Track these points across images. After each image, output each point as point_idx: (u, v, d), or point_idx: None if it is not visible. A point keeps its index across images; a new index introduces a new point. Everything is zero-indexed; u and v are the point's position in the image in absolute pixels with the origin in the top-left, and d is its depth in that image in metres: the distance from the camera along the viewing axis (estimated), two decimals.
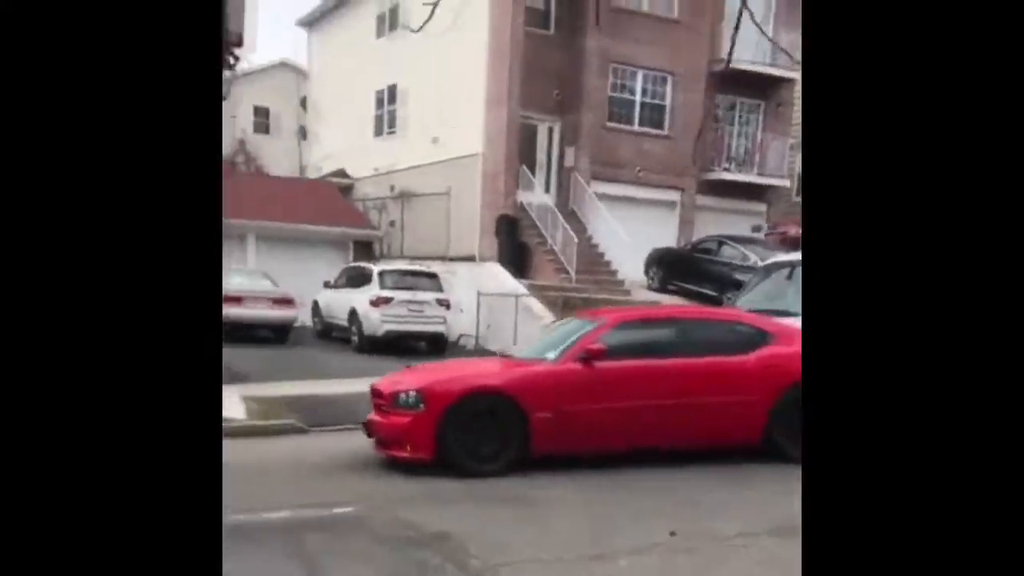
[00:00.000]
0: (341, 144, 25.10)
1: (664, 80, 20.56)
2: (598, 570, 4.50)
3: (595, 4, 17.94)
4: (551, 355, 7.37)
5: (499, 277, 16.20)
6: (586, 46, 19.17)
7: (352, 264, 16.98)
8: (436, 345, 15.06)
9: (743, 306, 10.87)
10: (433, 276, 15.15)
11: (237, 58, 9.36)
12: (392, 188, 22.01)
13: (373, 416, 7.21)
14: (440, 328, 14.93)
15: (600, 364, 7.07)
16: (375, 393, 7.33)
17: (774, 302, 10.63)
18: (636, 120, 20.43)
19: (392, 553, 4.77)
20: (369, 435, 7.21)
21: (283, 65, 35.64)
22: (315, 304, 15.74)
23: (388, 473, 6.86)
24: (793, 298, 10.39)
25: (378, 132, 23.50)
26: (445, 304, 14.49)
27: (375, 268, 15.00)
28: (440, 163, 19.96)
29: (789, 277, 10.69)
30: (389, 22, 22.69)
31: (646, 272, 18.94)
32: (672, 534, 5.09)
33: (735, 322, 8.23)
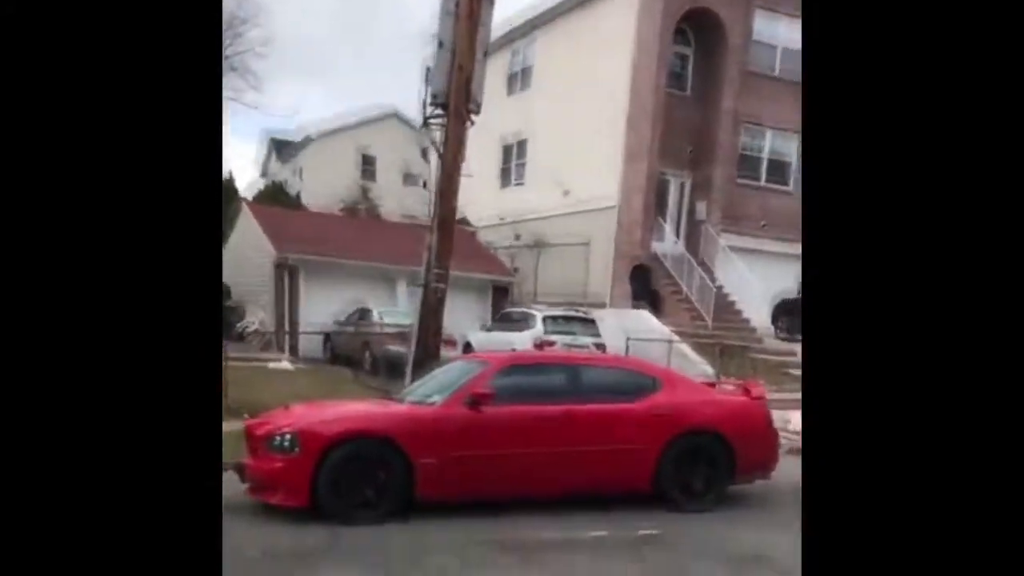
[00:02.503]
0: (464, 194, 26.35)
1: (791, 138, 21.29)
2: None
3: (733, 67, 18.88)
4: (437, 398, 7.07)
5: (647, 323, 16.93)
6: (720, 106, 20.09)
7: (512, 308, 17.92)
8: None
9: None
10: (591, 321, 15.92)
11: (472, 122, 10.39)
12: (518, 236, 23.06)
13: (246, 459, 6.74)
14: None
15: (488, 408, 6.81)
16: (248, 433, 6.89)
17: None
18: (763, 176, 21.19)
19: None
20: (242, 480, 6.71)
21: (395, 116, 37.59)
22: (468, 345, 16.61)
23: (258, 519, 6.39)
24: None
25: (504, 183, 24.72)
26: (602, 349, 15.24)
27: (538, 312, 15.86)
28: (572, 214, 20.95)
29: None
30: (521, 81, 24.07)
31: (773, 322, 19.51)
32: None
33: (624, 368, 8.06)
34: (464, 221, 26.08)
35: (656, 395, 7.46)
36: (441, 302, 10.14)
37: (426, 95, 10.33)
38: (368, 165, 37.20)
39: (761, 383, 9.15)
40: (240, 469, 6.71)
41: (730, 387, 8.54)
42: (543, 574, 5.59)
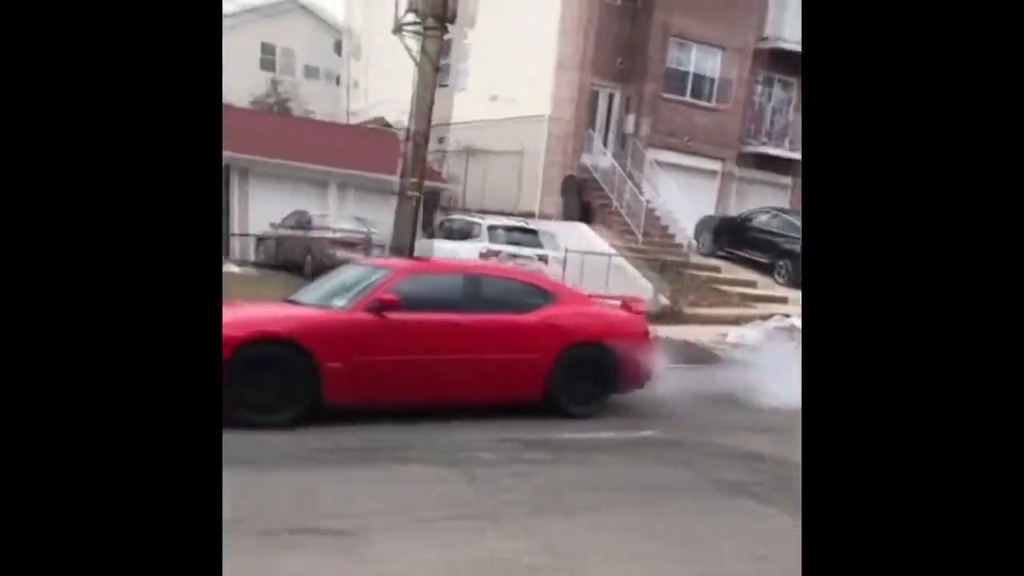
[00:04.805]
0: (383, 93, 25.71)
1: (715, 55, 21.80)
2: None
3: None
4: (340, 302, 7.16)
5: (587, 236, 17.36)
6: (652, 18, 20.26)
7: (454, 216, 17.87)
8: None
9: None
10: (534, 232, 16.16)
11: (448, 31, 10.24)
12: (440, 140, 22.84)
13: None
14: None
15: (392, 315, 6.95)
16: None
17: None
18: (688, 91, 21.68)
19: None
20: None
21: (295, 3, 35.75)
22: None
23: None
24: None
25: None
26: (545, 261, 15.56)
27: (484, 222, 15.96)
28: (501, 121, 20.91)
29: None
30: None
31: (696, 237, 20.38)
32: None
33: (521, 281, 8.26)
34: (381, 121, 25.53)
35: (550, 307, 7.81)
36: (416, 210, 10.22)
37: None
38: (268, 55, 35.49)
39: (642, 299, 9.59)
40: None
41: (614, 302, 8.84)
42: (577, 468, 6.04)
